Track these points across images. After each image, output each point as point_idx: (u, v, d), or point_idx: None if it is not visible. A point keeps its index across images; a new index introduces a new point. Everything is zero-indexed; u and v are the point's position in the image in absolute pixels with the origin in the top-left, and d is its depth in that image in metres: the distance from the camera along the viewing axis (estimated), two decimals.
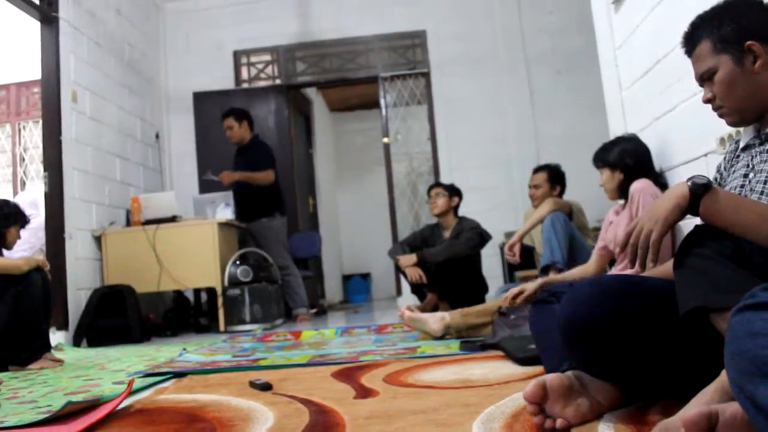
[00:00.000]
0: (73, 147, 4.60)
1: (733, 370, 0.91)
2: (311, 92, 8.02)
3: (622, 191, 2.79)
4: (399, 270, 4.63)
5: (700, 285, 1.15)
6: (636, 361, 1.30)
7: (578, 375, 1.32)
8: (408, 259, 4.40)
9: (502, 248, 5.54)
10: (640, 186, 2.64)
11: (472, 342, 2.66)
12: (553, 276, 3.26)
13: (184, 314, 5.38)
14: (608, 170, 2.83)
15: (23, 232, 3.48)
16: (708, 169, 2.34)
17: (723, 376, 1.04)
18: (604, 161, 2.85)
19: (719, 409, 0.96)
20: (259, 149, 5.28)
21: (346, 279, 9.29)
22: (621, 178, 2.79)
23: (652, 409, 1.31)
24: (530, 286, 3.17)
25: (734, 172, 1.49)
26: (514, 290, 3.17)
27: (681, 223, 1.28)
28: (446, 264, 4.33)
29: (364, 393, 1.81)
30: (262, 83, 6.62)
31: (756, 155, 1.43)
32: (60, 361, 3.16)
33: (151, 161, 6.04)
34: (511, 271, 5.35)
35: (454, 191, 4.64)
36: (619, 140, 2.87)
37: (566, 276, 3.17)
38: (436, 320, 3.04)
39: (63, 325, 4.29)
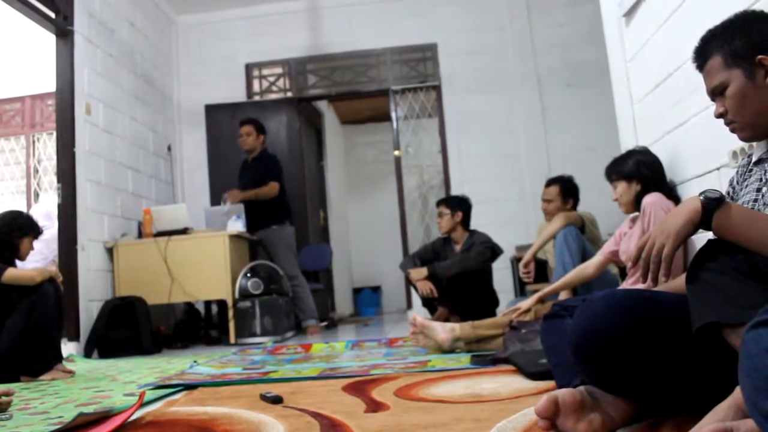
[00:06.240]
0: (86, 159, 4.63)
1: (748, 387, 0.90)
2: (322, 105, 8.06)
3: (638, 204, 2.73)
4: (410, 283, 4.62)
5: (713, 300, 1.14)
6: (648, 376, 1.29)
7: (590, 390, 1.31)
8: (419, 273, 4.39)
9: (513, 262, 5.52)
10: (652, 200, 2.62)
11: (483, 356, 2.65)
12: (547, 288, 3.24)
13: (194, 326, 5.40)
14: (624, 182, 2.79)
15: (36, 243, 3.50)
16: (720, 183, 2.32)
17: (737, 393, 1.03)
18: (619, 173, 2.81)
19: (734, 426, 0.96)
20: (266, 163, 5.37)
21: (357, 292, 9.27)
22: (638, 189, 2.75)
23: (665, 425, 1.30)
24: (525, 304, 3.17)
25: (747, 186, 1.48)
26: (509, 311, 3.18)
27: (693, 237, 1.27)
28: (457, 277, 4.30)
29: (374, 407, 1.80)
30: (273, 96, 6.66)
31: None
32: (71, 372, 3.17)
33: (163, 173, 6.08)
34: (522, 285, 5.32)
35: (457, 205, 4.53)
36: (632, 153, 2.85)
37: (564, 281, 3.16)
38: (445, 330, 3.02)
39: (74, 336, 4.31)
